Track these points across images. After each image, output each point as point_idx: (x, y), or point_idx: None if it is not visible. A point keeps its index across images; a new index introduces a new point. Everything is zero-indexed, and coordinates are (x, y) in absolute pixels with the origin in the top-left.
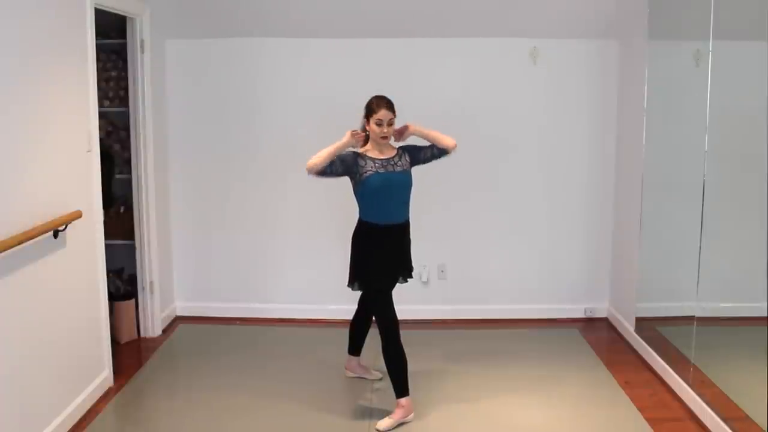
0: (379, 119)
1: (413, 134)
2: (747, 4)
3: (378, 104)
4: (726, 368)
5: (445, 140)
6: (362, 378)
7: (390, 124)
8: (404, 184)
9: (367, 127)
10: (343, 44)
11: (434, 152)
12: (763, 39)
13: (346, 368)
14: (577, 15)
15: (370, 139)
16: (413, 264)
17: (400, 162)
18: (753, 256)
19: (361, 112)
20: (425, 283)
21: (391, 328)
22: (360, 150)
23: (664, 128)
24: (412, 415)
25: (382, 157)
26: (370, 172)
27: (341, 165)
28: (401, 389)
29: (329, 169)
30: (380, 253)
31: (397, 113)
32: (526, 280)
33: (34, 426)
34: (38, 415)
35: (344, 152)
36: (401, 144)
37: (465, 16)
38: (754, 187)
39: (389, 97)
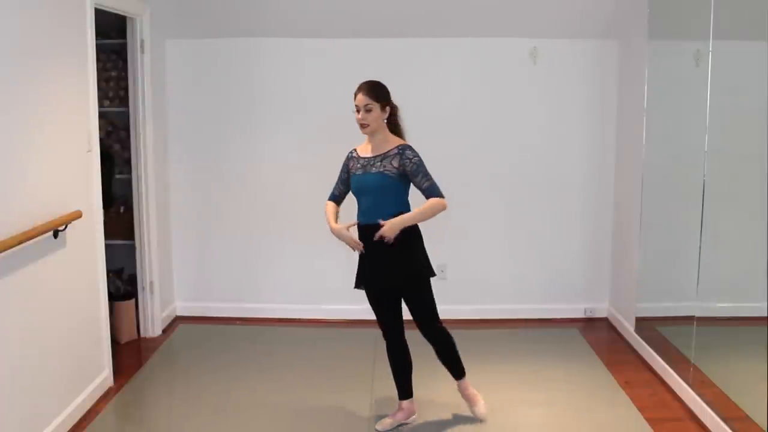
0: (356, 105)
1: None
2: (747, 4)
3: (358, 89)
4: (726, 368)
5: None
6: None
7: (367, 110)
8: (373, 187)
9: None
10: (342, 44)
11: (422, 191)
12: (763, 39)
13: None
14: (577, 15)
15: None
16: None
17: (381, 163)
18: (753, 256)
19: None
20: None
21: (385, 333)
22: (357, 147)
23: (664, 128)
24: (415, 416)
25: (367, 155)
26: (352, 172)
27: (345, 185)
28: (403, 392)
29: (342, 195)
30: (362, 255)
31: (390, 99)
32: (526, 280)
33: (34, 426)
34: (38, 415)
35: (343, 166)
36: (404, 144)
37: (465, 16)
38: (754, 187)
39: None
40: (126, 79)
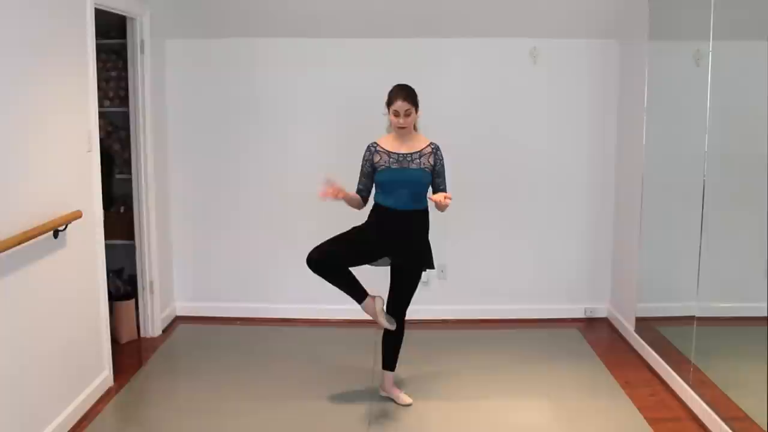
0: (395, 110)
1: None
2: (747, 4)
3: (396, 94)
4: (726, 368)
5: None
6: (390, 399)
7: (407, 114)
8: (416, 182)
9: (389, 117)
10: (342, 44)
11: (435, 188)
12: (763, 39)
13: (380, 387)
14: (577, 15)
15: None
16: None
17: (420, 160)
18: (753, 256)
19: (363, 112)
20: (425, 283)
21: (332, 257)
22: (379, 141)
23: (664, 128)
24: (383, 301)
25: (399, 151)
26: (383, 167)
27: (369, 178)
28: (360, 294)
29: (367, 188)
30: (368, 227)
31: (419, 103)
32: (527, 280)
33: (34, 426)
34: (38, 415)
35: (365, 160)
36: (435, 143)
37: (465, 17)
38: (754, 187)
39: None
40: (126, 79)
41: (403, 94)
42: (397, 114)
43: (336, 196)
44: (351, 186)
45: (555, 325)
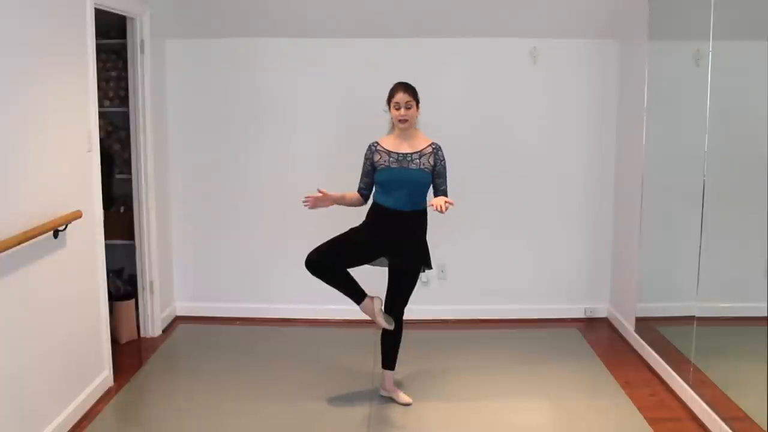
0: (396, 102)
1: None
2: (747, 4)
3: (396, 88)
4: (726, 368)
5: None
6: (391, 398)
7: (408, 107)
8: (415, 182)
9: (390, 114)
10: (343, 44)
11: (438, 191)
12: (763, 39)
13: (380, 386)
14: (577, 15)
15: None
16: (430, 259)
17: (420, 160)
18: (753, 256)
19: (363, 112)
20: (425, 283)
21: (328, 258)
22: (380, 140)
23: (664, 128)
24: (381, 301)
25: (399, 151)
26: (382, 166)
27: (370, 177)
28: (359, 295)
29: (368, 187)
30: (366, 227)
31: (420, 100)
32: (526, 280)
33: (34, 426)
34: (38, 415)
35: (365, 159)
36: (436, 143)
37: (465, 16)
38: (754, 187)
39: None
40: (126, 79)
41: (403, 87)
42: (398, 107)
43: (324, 202)
44: (351, 186)
45: (555, 325)
